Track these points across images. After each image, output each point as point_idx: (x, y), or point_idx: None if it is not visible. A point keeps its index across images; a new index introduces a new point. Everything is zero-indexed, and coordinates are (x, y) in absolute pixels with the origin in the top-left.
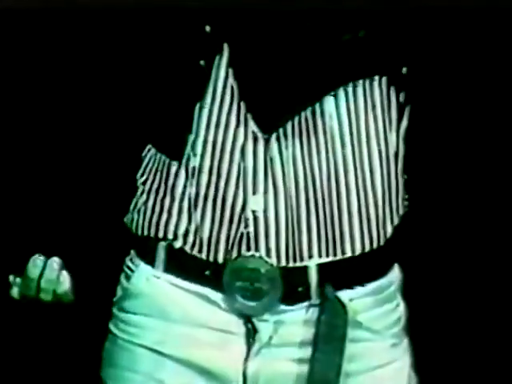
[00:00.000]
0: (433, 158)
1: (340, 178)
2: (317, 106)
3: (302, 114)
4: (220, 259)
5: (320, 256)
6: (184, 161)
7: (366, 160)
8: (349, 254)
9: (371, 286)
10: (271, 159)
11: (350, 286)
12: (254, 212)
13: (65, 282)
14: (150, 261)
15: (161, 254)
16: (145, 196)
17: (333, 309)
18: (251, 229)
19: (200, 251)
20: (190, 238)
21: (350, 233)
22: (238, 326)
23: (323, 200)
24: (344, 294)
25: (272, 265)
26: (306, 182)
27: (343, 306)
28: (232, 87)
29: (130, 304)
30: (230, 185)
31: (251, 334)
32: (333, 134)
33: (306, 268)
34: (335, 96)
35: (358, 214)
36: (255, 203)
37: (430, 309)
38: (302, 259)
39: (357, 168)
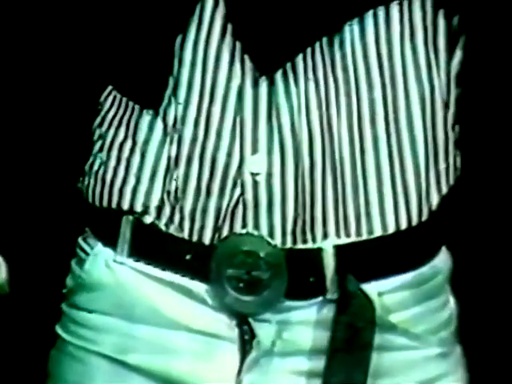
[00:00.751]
0: (494, 105)
1: (366, 131)
2: (336, 35)
3: (316, 46)
4: (206, 239)
5: (339, 236)
6: (161, 109)
7: (403, 107)
8: (378, 233)
9: (408, 276)
10: (277, 106)
11: (380, 276)
12: (253, 176)
13: None
14: (111, 241)
15: (125, 233)
16: (104, 154)
17: (355, 306)
18: (249, 198)
19: (179, 229)
20: (166, 211)
21: (380, 205)
22: (228, 328)
23: (343, 161)
24: (371, 287)
25: (275, 246)
26: (322, 137)
27: (370, 301)
28: (224, 15)
29: (84, 298)
30: (221, 141)
31: (247, 338)
32: (357, 73)
33: (319, 251)
34: (361, 21)
35: (391, 179)
36: (255, 165)
37: (488, 307)
38: (314, 239)
39: (389, 118)
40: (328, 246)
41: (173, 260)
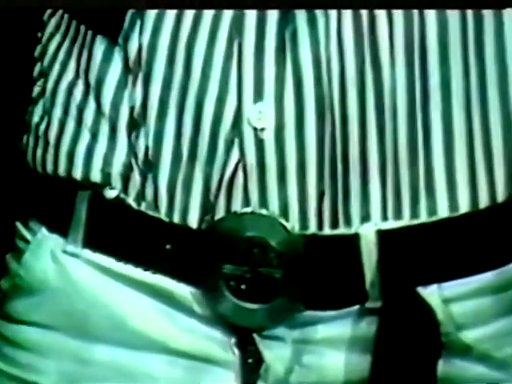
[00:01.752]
0: None
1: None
2: None
3: None
4: (192, 222)
5: (385, 217)
6: (121, 38)
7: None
8: (443, 214)
9: (487, 277)
10: (292, 30)
11: (445, 277)
12: (257, 132)
13: None
14: (61, 225)
15: (80, 213)
16: (47, 99)
17: (408, 319)
18: (252, 163)
19: (154, 206)
20: (135, 182)
21: (449, 174)
22: (224, 348)
23: (396, 111)
24: (432, 292)
25: (291, 232)
26: (361, 76)
27: (430, 313)
28: None
29: (22, 306)
30: (209, 81)
31: (250, 363)
32: None
33: (356, 240)
34: None
35: (467, 137)
36: (260, 116)
37: None
38: (349, 222)
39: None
40: (369, 232)
41: (146, 251)
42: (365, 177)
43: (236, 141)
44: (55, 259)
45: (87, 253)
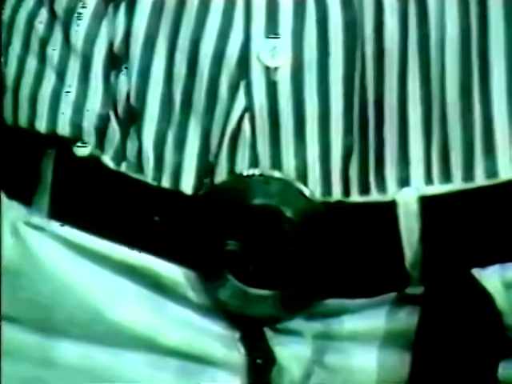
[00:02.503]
0: None
1: None
2: None
3: None
4: (186, 186)
5: (430, 180)
6: None
7: None
8: (504, 175)
9: None
10: None
11: (507, 256)
12: (268, 72)
13: None
14: (22, 191)
15: (45, 176)
16: (4, 34)
17: (461, 307)
18: (262, 112)
19: (138, 167)
20: (114, 136)
21: None
22: (226, 345)
23: (443, 48)
24: (491, 274)
25: (310, 199)
26: (403, 1)
27: (489, 300)
28: None
29: None
30: (210, 9)
31: (259, 364)
32: None
33: (392, 209)
34: None
35: None
36: (274, 52)
37: None
38: (383, 187)
39: None
40: (409, 199)
41: (128, 223)
42: (404, 129)
43: (242, 83)
44: (16, 233)
45: (55, 225)
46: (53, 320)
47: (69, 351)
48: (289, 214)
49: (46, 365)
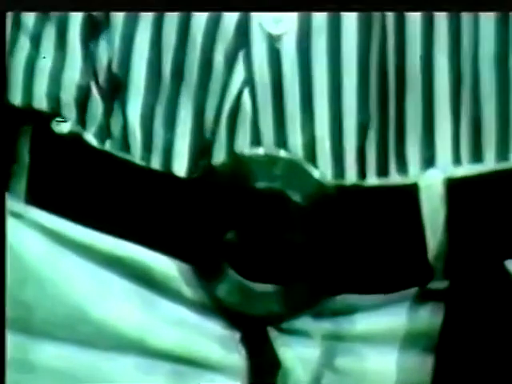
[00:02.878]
0: None
1: None
2: None
3: None
4: (180, 168)
5: (457, 160)
6: None
7: None
8: None
9: None
10: None
11: None
12: (271, 39)
13: None
14: None
15: (22, 157)
16: None
17: (491, 304)
18: (263, 83)
19: (124, 145)
20: (97, 110)
21: None
22: (225, 347)
23: None
24: None
25: (320, 182)
26: None
27: None
28: None
29: None
30: None
31: (262, 368)
32: None
33: (414, 192)
34: None
35: None
36: (277, 18)
37: None
38: (403, 168)
39: None
40: (433, 182)
41: (114, 209)
42: (429, 103)
43: (241, 52)
44: None
45: (32, 211)
46: (32, 319)
47: (48, 353)
48: (296, 198)
49: (25, 368)
